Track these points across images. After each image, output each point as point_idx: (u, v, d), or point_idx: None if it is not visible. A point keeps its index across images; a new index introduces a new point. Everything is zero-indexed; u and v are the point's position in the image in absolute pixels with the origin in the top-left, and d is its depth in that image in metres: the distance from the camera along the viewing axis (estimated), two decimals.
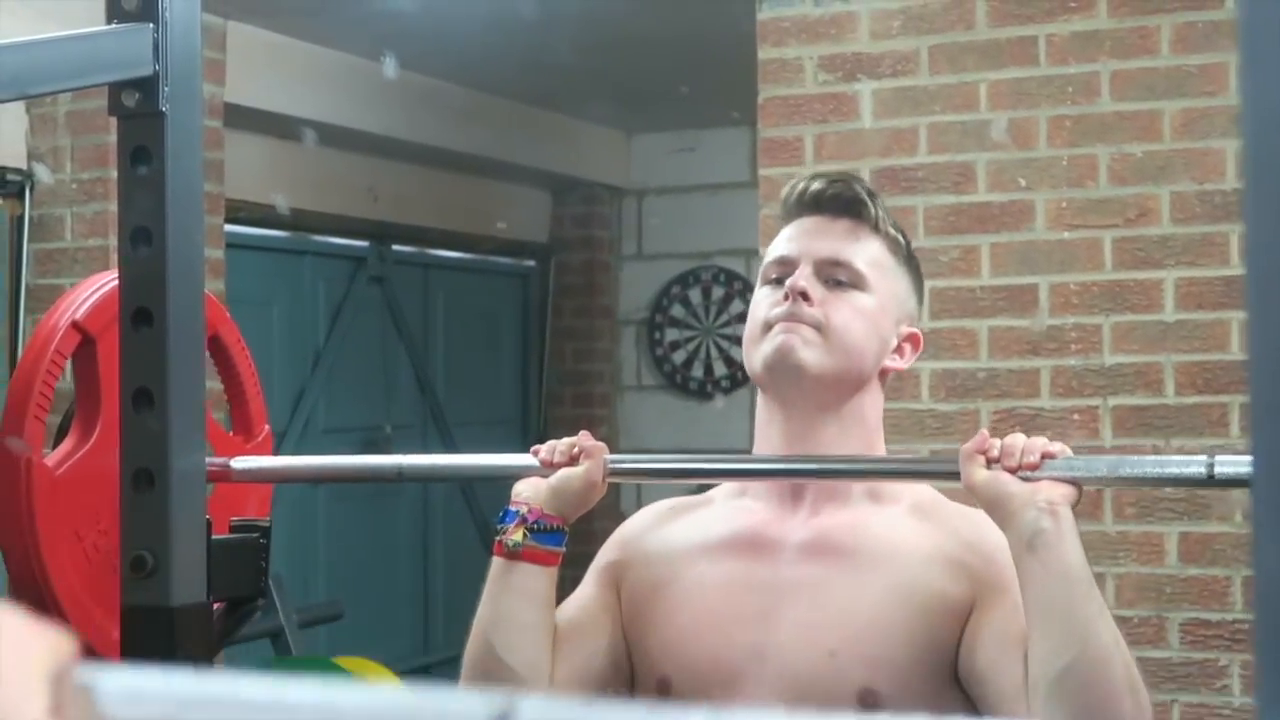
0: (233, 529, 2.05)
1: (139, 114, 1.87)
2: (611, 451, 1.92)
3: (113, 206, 4.26)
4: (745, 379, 7.08)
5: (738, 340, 7.18)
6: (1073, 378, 3.59)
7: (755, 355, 1.82)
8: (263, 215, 5.56)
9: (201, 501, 1.92)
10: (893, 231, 1.88)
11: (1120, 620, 3.50)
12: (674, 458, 2.12)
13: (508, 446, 7.28)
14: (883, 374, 1.87)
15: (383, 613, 6.33)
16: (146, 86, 1.86)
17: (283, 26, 5.12)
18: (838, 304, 1.82)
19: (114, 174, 4.20)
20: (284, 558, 5.48)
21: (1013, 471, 1.66)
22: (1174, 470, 1.73)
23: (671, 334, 7.31)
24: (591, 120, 6.94)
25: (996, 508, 1.67)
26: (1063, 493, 1.64)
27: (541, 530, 1.88)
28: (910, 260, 1.90)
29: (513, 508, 1.89)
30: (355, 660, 4.66)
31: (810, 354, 1.79)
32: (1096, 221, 3.59)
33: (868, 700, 1.70)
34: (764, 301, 1.84)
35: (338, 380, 6.19)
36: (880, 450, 1.88)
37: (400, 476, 2.12)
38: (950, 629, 1.73)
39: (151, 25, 1.86)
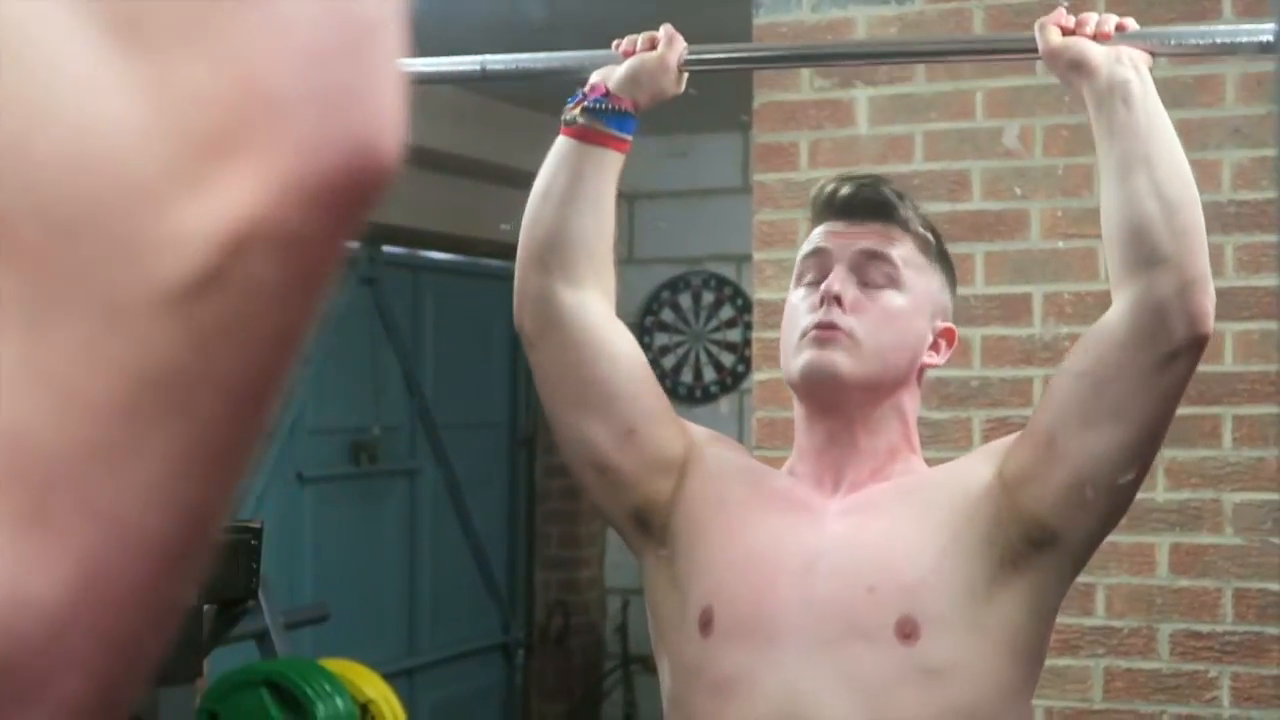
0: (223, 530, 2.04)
1: None
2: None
3: None
4: (735, 384, 7.08)
5: (728, 346, 7.19)
6: None
7: (792, 364, 1.84)
8: None
9: None
10: (922, 230, 1.89)
11: (1110, 631, 3.53)
12: (751, 47, 2.14)
13: (496, 450, 7.27)
14: (920, 370, 1.88)
15: (369, 615, 6.31)
16: None
17: None
18: (871, 307, 1.83)
19: None
20: (270, 559, 5.45)
21: (1090, 38, 1.75)
22: (1243, 39, 1.85)
23: (661, 339, 7.30)
24: None
25: (1076, 67, 1.75)
26: (1142, 55, 1.75)
27: (603, 110, 1.91)
28: (942, 256, 1.92)
29: (579, 90, 1.92)
30: (341, 662, 4.64)
31: (846, 363, 1.80)
32: (1091, 231, 3.58)
33: (905, 629, 1.73)
34: (800, 305, 1.85)
35: (326, 381, 6.16)
36: (915, 446, 1.90)
37: (484, 74, 2.12)
38: (986, 505, 1.77)
39: None
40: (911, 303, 1.85)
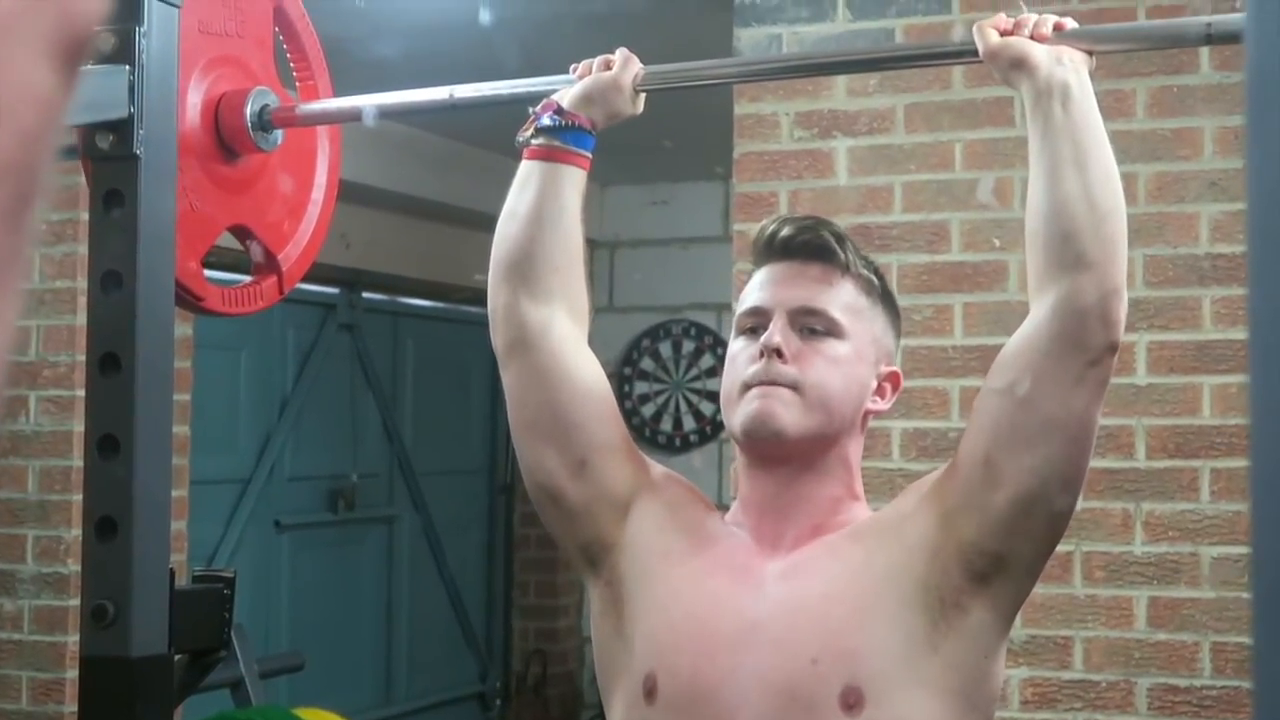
0: (196, 579, 2.02)
1: (113, 157, 1.85)
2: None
3: (82, 249, 4.22)
4: (714, 434, 7.07)
5: (708, 394, 7.19)
6: None
7: (734, 418, 1.82)
8: (234, 260, 5.53)
9: (165, 551, 1.89)
10: (865, 272, 1.87)
11: (1088, 685, 3.51)
12: (704, 65, 2.17)
13: (474, 498, 7.25)
14: (864, 417, 1.86)
15: (345, 663, 6.27)
16: (121, 129, 1.85)
17: None
18: (813, 357, 1.81)
19: (84, 216, 4.16)
20: (246, 607, 5.43)
21: (1029, 39, 1.77)
22: (1175, 31, 1.88)
23: (641, 387, 7.29)
24: None
25: (1017, 65, 1.76)
26: (1083, 56, 1.76)
27: (557, 127, 1.91)
28: (885, 297, 1.90)
29: (531, 110, 1.92)
30: (317, 711, 4.60)
31: (788, 417, 1.78)
32: None
33: (849, 699, 1.71)
34: (740, 357, 1.83)
35: (305, 427, 6.15)
36: (859, 491, 1.87)
37: (453, 104, 2.14)
38: (922, 548, 1.75)
39: (128, 68, 1.84)
40: (854, 350, 1.83)
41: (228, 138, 2.11)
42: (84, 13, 0.62)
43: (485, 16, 4.56)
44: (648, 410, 7.26)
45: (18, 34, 0.58)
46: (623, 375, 7.27)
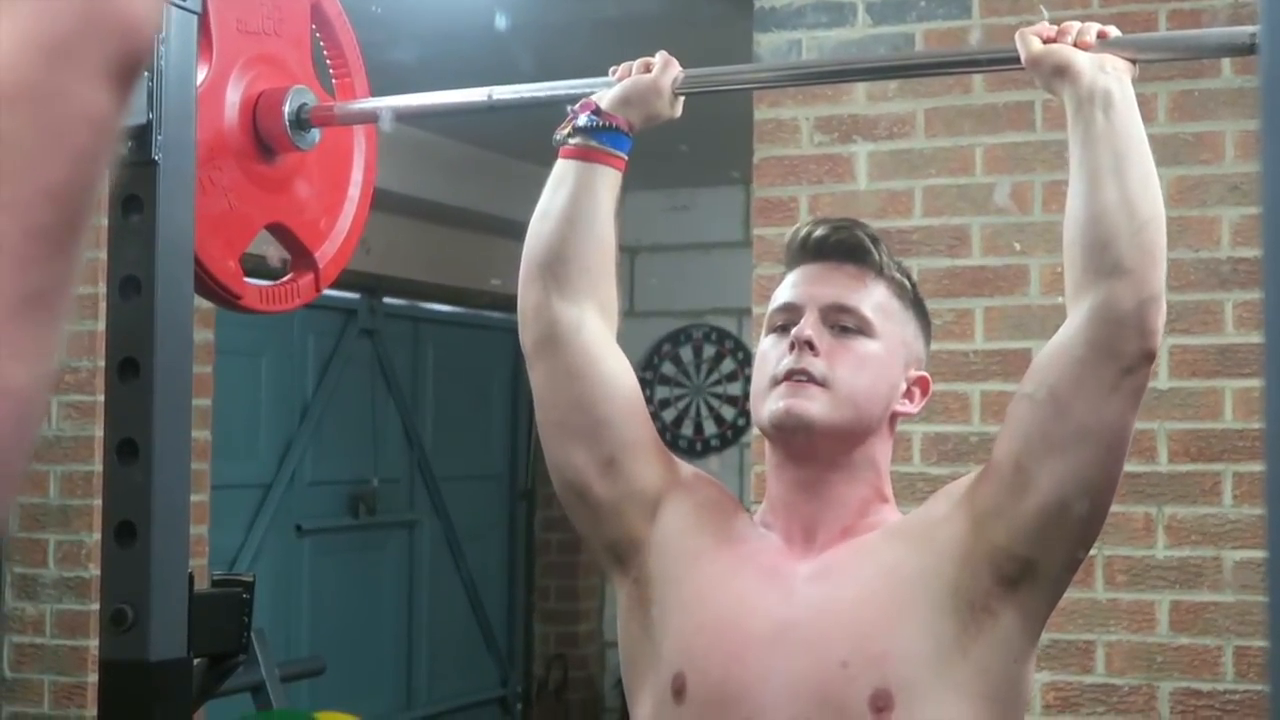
0: (215, 583, 2.02)
1: (131, 162, 1.86)
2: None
3: (102, 254, 4.23)
4: (735, 438, 7.07)
5: (729, 399, 7.19)
6: None
7: (763, 410, 1.82)
8: (253, 265, 5.53)
9: (184, 555, 1.90)
10: (898, 275, 1.87)
11: (1110, 689, 3.50)
12: (747, 69, 2.17)
13: (495, 503, 7.25)
14: (892, 418, 1.86)
15: (366, 667, 6.28)
16: (140, 135, 1.85)
17: None
18: (843, 353, 1.81)
19: (104, 222, 4.17)
20: (267, 611, 5.44)
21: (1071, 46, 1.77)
22: (1218, 40, 1.92)
23: (662, 392, 7.29)
24: None
25: (1060, 72, 1.76)
26: (1125, 64, 1.77)
27: (594, 128, 1.92)
28: (917, 303, 1.90)
29: (570, 109, 1.93)
30: (337, 715, 4.61)
31: (817, 410, 1.78)
32: None
33: (879, 702, 1.70)
34: (771, 352, 1.83)
35: (325, 433, 6.16)
36: (888, 493, 1.87)
37: (491, 105, 2.14)
38: (953, 551, 1.75)
39: (146, 74, 1.85)
40: (884, 349, 1.83)
41: (266, 136, 2.11)
42: (142, 31, 0.61)
43: (501, 22, 4.56)
44: (668, 415, 7.26)
45: (77, 54, 0.58)
46: (643, 380, 7.25)
